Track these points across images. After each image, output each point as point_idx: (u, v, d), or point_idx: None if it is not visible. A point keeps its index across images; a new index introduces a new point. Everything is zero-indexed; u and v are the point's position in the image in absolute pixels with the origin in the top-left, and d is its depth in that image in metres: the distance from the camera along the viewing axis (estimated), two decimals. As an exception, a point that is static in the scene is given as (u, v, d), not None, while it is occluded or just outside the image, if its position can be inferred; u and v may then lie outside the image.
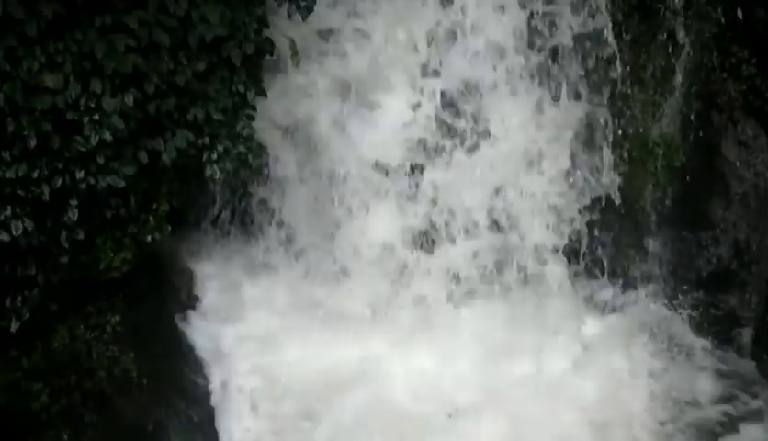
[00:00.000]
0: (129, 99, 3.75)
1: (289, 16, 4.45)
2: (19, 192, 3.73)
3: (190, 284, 5.29)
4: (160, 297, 5.18)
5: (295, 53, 4.34)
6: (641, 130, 5.90)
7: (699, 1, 5.84)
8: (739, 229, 6.03)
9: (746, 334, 5.93)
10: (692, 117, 6.03)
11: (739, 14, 5.85)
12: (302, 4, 4.38)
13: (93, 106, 3.68)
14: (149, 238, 4.43)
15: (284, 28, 4.53)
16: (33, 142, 3.63)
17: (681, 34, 5.87)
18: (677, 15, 5.80)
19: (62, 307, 4.33)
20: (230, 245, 5.51)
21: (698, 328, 5.83)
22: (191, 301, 5.24)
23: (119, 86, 3.72)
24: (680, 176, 5.95)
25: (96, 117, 3.68)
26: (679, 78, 5.95)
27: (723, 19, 5.99)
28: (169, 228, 4.58)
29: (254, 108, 4.42)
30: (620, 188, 5.74)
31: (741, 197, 6.12)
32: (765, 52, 5.81)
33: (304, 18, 4.47)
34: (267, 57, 4.44)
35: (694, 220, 5.97)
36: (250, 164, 4.39)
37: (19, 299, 4.03)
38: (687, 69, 5.97)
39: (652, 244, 5.95)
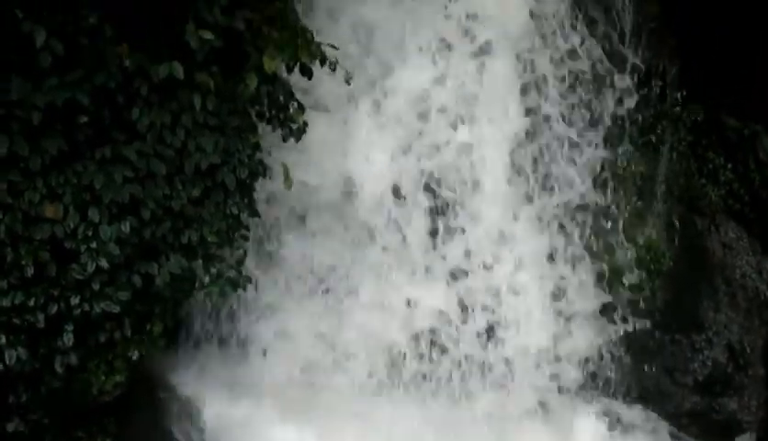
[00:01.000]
0: (126, 226, 3.85)
1: (284, 140, 4.64)
2: (14, 320, 3.77)
3: (184, 400, 5.24)
4: (153, 414, 5.13)
5: (287, 178, 4.50)
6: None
7: (675, 111, 6.14)
8: (732, 330, 6.07)
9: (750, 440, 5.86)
10: (675, 221, 6.22)
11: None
12: (294, 127, 4.59)
13: (90, 234, 3.78)
14: (142, 359, 4.43)
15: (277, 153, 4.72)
16: (30, 271, 3.71)
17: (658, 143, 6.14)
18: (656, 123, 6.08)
19: (51, 434, 4.27)
20: (223, 360, 5.49)
21: (700, 435, 5.75)
22: (185, 417, 5.17)
23: (117, 215, 3.84)
24: (667, 280, 6.04)
25: (94, 245, 3.78)
26: (660, 184, 6.17)
27: (699, 128, 6.30)
28: (162, 343, 4.60)
29: (248, 229, 4.54)
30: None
31: (731, 299, 6.20)
32: (739, 159, 6.06)
33: (297, 140, 4.67)
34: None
35: (685, 324, 6.01)
36: (242, 287, 4.45)
37: (7, 427, 3.99)
38: (667, 175, 6.20)
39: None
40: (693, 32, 5.93)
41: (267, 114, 4.51)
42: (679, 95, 6.12)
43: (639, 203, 6.06)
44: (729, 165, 6.20)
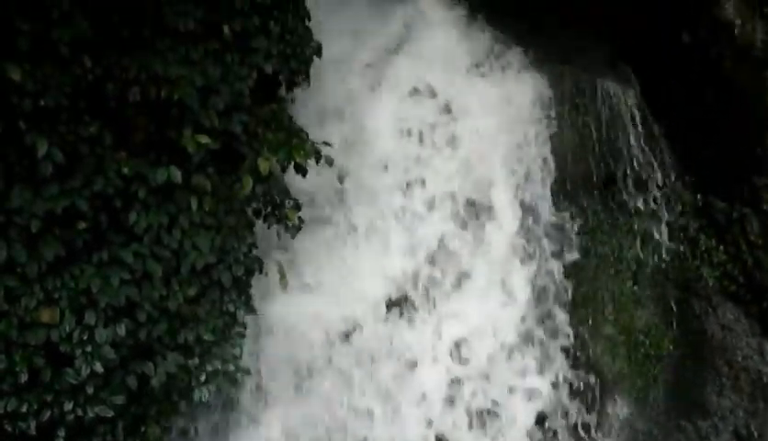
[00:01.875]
0: (122, 329, 3.86)
1: (279, 236, 4.71)
2: (6, 427, 3.72)
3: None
4: None
5: (283, 277, 4.54)
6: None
7: (665, 194, 6.25)
8: (737, 415, 5.96)
9: None
10: (672, 305, 6.22)
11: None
12: (290, 224, 4.66)
13: (86, 338, 3.78)
14: (136, 466, 4.34)
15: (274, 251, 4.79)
16: (24, 377, 3.69)
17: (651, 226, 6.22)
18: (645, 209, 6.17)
19: None
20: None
21: None
22: None
23: (112, 317, 3.85)
24: (669, 365, 5.99)
25: (89, 348, 3.77)
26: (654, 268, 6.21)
27: (688, 211, 6.39)
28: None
29: (245, 326, 4.54)
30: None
31: (734, 382, 6.11)
32: (730, 241, 6.11)
33: (293, 237, 4.74)
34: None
35: (690, 410, 5.91)
36: (239, 382, 4.42)
37: None
38: (661, 258, 6.25)
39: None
40: (674, 118, 6.12)
41: (263, 211, 4.59)
42: (667, 180, 6.24)
43: (635, 288, 6.08)
44: (722, 247, 6.23)
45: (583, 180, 5.92)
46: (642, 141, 6.05)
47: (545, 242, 5.64)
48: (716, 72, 5.50)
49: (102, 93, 3.81)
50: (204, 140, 3.90)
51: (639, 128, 6.00)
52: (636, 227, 6.17)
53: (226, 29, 4.20)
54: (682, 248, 6.42)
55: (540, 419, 5.46)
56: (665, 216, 6.34)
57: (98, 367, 3.78)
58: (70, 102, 3.63)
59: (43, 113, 3.54)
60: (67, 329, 3.76)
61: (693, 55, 5.62)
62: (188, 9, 4.04)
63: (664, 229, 6.33)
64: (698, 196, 6.31)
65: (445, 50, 5.90)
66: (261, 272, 4.67)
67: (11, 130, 3.46)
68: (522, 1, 6.87)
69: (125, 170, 3.74)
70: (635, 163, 6.04)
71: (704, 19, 5.31)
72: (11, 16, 3.41)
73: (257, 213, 4.60)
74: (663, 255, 6.29)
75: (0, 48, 3.42)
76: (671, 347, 6.05)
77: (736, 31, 5.17)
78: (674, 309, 6.26)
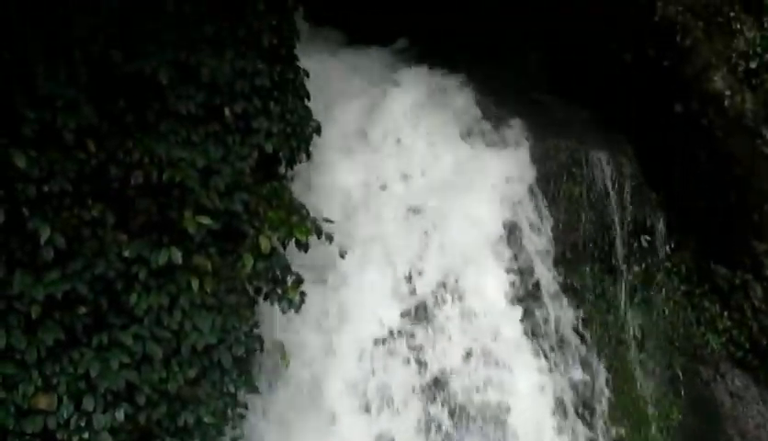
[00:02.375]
0: (120, 414, 3.79)
1: (283, 312, 4.67)
2: None
3: None
4: None
5: (284, 357, 4.49)
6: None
7: (666, 262, 6.26)
8: (754, 487, 5.80)
9: None
10: (679, 373, 6.13)
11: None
12: (295, 299, 4.62)
13: (83, 424, 3.70)
14: None
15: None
16: (20, 467, 3.59)
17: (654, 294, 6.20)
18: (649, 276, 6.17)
19: None
20: None
21: None
22: None
23: (111, 402, 3.78)
24: (679, 435, 5.86)
25: (86, 435, 3.69)
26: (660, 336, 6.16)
27: (691, 278, 6.38)
28: None
29: (246, 407, 4.46)
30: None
31: (747, 453, 5.97)
32: (734, 307, 6.08)
33: (297, 311, 4.69)
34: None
35: (703, 482, 5.76)
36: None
37: None
38: (666, 327, 6.20)
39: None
40: (670, 185, 6.19)
41: (265, 289, 4.57)
42: (668, 247, 6.26)
43: (641, 356, 6.01)
44: (726, 313, 6.20)
45: (582, 249, 5.93)
46: (640, 209, 6.09)
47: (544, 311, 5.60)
48: (709, 141, 5.60)
49: (105, 176, 3.85)
50: (205, 220, 3.92)
51: (636, 196, 6.05)
52: (638, 295, 6.14)
53: (227, 112, 4.29)
54: (686, 315, 6.39)
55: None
56: (667, 283, 6.33)
57: (96, 455, 3.69)
58: (73, 187, 3.67)
59: (47, 198, 3.58)
60: (65, 415, 3.68)
61: (685, 125, 5.73)
62: (190, 93, 4.15)
63: (667, 296, 6.31)
64: (700, 262, 6.32)
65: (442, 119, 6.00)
66: (262, 351, 4.62)
67: (14, 216, 3.48)
68: (515, 74, 7.12)
69: (126, 252, 3.75)
70: (634, 231, 6.07)
71: (694, 91, 5.43)
72: (16, 104, 3.48)
73: (258, 291, 4.57)
74: (668, 323, 6.25)
75: (5, 135, 3.49)
76: (680, 417, 5.93)
77: (726, 103, 5.29)
78: (681, 377, 6.18)
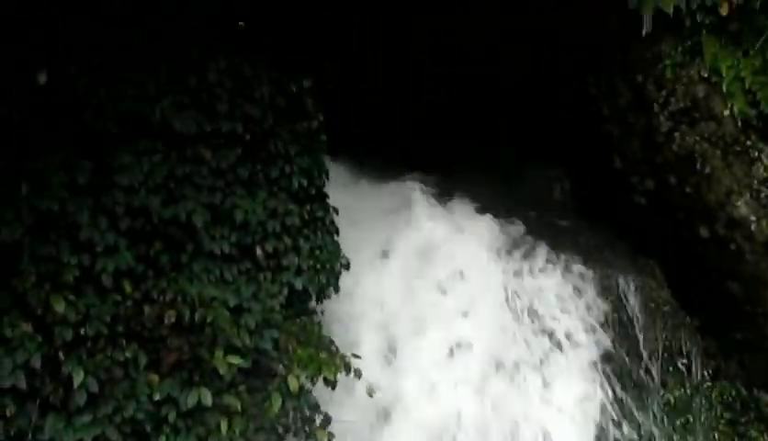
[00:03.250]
0: None
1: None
2: None
3: None
4: None
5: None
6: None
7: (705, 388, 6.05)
8: None
9: None
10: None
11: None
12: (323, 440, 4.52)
13: None
14: None
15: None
16: None
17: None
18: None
19: None
20: None
21: None
22: None
23: None
24: None
25: None
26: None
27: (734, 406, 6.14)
28: None
29: None
30: None
31: None
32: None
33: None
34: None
35: None
36: None
37: None
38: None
39: None
40: (706, 310, 6.08)
41: (293, 427, 4.50)
42: (705, 372, 6.07)
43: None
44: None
45: (620, 377, 5.79)
46: (674, 334, 5.97)
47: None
48: (740, 265, 5.54)
49: (139, 317, 3.94)
50: (236, 360, 3.95)
51: (670, 321, 5.96)
52: (680, 422, 5.90)
53: (258, 250, 4.43)
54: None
55: None
56: (708, 411, 6.08)
57: None
58: (108, 328, 3.75)
59: (82, 341, 3.66)
60: None
61: (715, 249, 5.70)
62: (224, 234, 4.30)
63: (710, 425, 6.05)
64: (742, 389, 6.10)
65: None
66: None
67: (50, 360, 3.55)
68: (538, 198, 7.28)
69: (157, 395, 3.76)
70: (669, 357, 5.91)
71: (719, 216, 5.46)
72: (60, 253, 3.65)
73: (287, 429, 4.50)
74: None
75: (48, 280, 3.63)
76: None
77: (752, 227, 5.29)
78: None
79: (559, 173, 7.35)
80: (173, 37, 4.10)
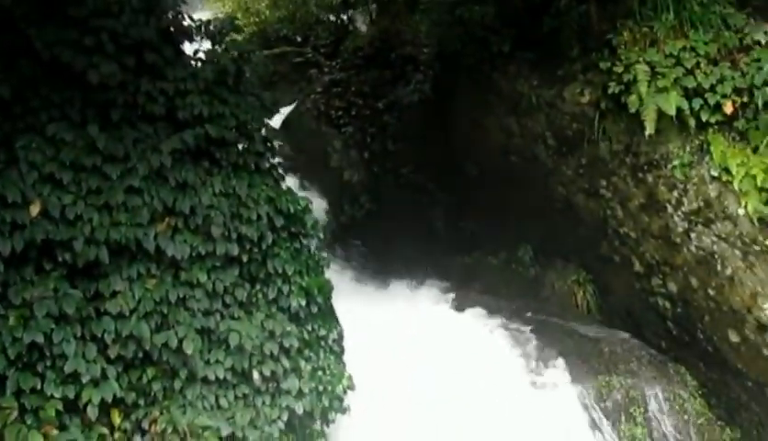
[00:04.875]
0: None
1: None
2: None
3: None
4: None
5: None
6: None
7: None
8: None
9: None
10: None
11: None
12: None
13: None
14: None
15: None
16: None
17: None
18: None
19: None
20: None
21: None
22: None
23: None
24: None
25: None
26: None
27: None
28: None
29: None
30: None
31: None
32: None
33: None
34: None
35: None
36: None
37: None
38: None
39: None
40: (742, 424, 5.64)
41: None
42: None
43: None
44: None
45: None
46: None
47: None
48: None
49: (129, 449, 3.78)
50: (226, 496, 3.72)
51: (703, 433, 5.52)
52: None
53: (256, 374, 4.27)
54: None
55: None
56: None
57: None
58: (93, 464, 3.59)
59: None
60: None
61: (745, 353, 5.35)
62: (219, 358, 4.18)
63: None
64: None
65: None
66: None
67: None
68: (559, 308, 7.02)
69: None
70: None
71: (747, 320, 5.16)
72: (42, 384, 3.55)
73: None
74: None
75: (29, 413, 3.51)
76: None
77: (782, 334, 4.97)
78: None
79: (580, 275, 7.11)
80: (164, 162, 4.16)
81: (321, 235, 4.84)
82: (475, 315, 6.59)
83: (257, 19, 12.80)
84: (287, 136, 9.60)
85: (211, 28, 4.74)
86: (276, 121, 9.43)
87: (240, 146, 4.61)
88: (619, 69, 5.63)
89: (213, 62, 4.63)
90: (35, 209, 3.64)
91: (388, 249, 8.75)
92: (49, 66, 4.04)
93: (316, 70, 10.49)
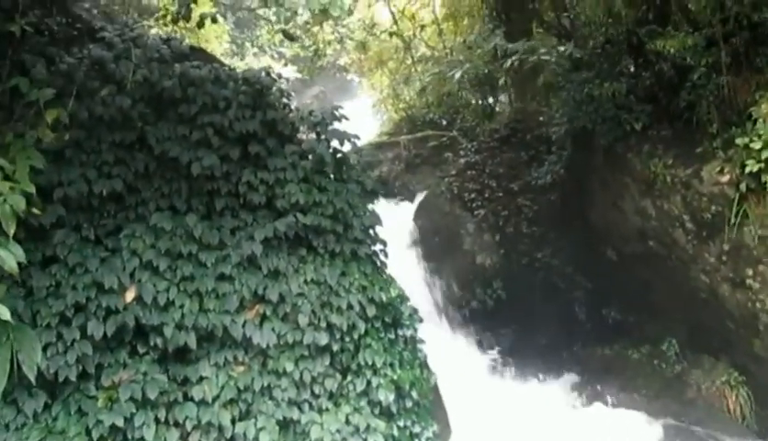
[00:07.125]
0: None
1: None
2: None
3: None
4: None
5: None
6: None
7: None
8: None
9: None
10: None
11: None
12: None
13: None
14: None
15: None
16: None
17: None
18: None
19: None
20: None
21: None
22: None
23: None
24: None
25: None
26: None
27: None
28: None
29: None
30: None
31: None
32: None
33: None
34: None
35: None
36: None
37: None
38: None
39: None
40: None
41: None
42: None
43: None
44: None
45: None
46: None
47: None
48: None
49: None
50: None
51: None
52: None
53: (338, 471, 4.08)
54: None
55: None
56: None
57: None
58: None
59: None
60: None
61: None
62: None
63: None
64: None
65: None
66: None
67: None
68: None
69: None
70: None
71: None
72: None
73: None
74: None
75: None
76: None
77: None
78: None
79: (731, 376, 6.19)
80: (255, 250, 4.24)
81: (418, 325, 4.64)
82: (605, 415, 5.95)
83: (405, 104, 13.18)
84: (421, 218, 9.61)
85: (312, 118, 4.86)
86: (412, 205, 9.59)
87: (337, 233, 4.61)
88: (757, 145, 4.98)
89: (312, 151, 4.73)
90: (130, 295, 3.83)
91: (522, 335, 8.31)
92: (160, 159, 4.34)
93: (451, 154, 10.46)
